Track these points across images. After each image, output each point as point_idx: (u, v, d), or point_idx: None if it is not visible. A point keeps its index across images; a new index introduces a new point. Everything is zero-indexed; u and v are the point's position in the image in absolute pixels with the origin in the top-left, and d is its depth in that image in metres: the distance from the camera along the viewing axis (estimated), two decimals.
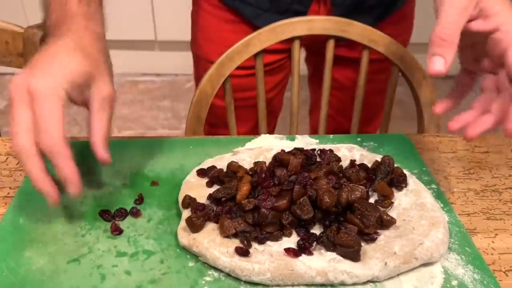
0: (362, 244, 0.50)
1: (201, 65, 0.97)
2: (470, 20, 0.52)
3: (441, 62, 0.50)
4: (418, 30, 1.02)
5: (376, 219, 0.52)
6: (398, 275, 0.50)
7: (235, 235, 0.51)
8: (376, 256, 0.49)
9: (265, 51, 0.87)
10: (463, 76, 0.58)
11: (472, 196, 0.62)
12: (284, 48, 0.91)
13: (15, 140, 0.48)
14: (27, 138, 0.48)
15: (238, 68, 0.84)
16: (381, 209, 0.54)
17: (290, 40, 0.85)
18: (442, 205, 0.59)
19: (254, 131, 0.98)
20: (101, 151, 0.51)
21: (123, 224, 0.55)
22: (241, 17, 0.89)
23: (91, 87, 0.52)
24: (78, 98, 0.52)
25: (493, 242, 0.55)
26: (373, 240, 0.51)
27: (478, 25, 0.52)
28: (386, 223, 0.52)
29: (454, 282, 0.49)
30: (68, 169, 0.49)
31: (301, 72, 1.13)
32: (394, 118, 0.96)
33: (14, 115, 0.48)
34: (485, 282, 0.49)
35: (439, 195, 0.61)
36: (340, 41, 0.87)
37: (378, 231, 0.52)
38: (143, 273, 0.49)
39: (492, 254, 0.54)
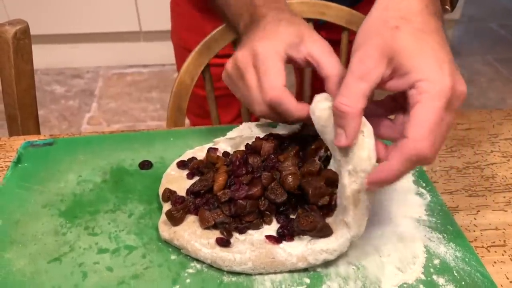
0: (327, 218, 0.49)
1: (182, 55, 0.96)
2: (386, 79, 0.45)
3: (343, 136, 0.44)
4: None
5: (322, 186, 0.49)
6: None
7: (215, 226, 0.51)
8: None
9: None
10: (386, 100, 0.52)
11: (454, 174, 0.62)
12: None
13: (257, 102, 0.55)
14: (260, 96, 0.55)
15: (218, 56, 0.83)
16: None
17: None
18: (424, 184, 0.59)
19: (238, 119, 0.98)
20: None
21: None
22: None
23: (306, 43, 0.56)
24: (297, 55, 0.57)
25: (475, 219, 0.56)
26: (332, 210, 0.50)
27: (393, 86, 0.45)
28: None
29: (436, 261, 0.49)
30: (297, 110, 0.54)
31: None
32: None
33: (247, 78, 0.55)
34: (467, 259, 0.49)
35: (421, 175, 0.61)
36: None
37: (333, 194, 0.50)
38: (125, 268, 0.49)
39: (474, 231, 0.54)
